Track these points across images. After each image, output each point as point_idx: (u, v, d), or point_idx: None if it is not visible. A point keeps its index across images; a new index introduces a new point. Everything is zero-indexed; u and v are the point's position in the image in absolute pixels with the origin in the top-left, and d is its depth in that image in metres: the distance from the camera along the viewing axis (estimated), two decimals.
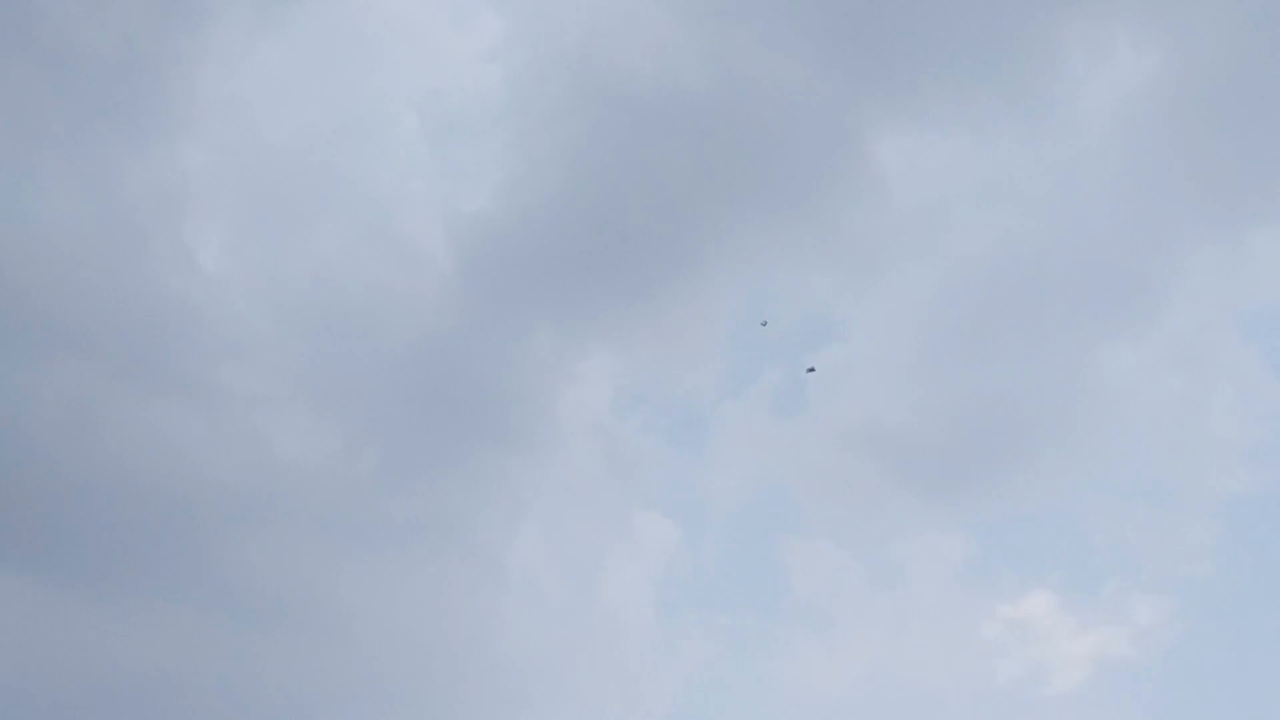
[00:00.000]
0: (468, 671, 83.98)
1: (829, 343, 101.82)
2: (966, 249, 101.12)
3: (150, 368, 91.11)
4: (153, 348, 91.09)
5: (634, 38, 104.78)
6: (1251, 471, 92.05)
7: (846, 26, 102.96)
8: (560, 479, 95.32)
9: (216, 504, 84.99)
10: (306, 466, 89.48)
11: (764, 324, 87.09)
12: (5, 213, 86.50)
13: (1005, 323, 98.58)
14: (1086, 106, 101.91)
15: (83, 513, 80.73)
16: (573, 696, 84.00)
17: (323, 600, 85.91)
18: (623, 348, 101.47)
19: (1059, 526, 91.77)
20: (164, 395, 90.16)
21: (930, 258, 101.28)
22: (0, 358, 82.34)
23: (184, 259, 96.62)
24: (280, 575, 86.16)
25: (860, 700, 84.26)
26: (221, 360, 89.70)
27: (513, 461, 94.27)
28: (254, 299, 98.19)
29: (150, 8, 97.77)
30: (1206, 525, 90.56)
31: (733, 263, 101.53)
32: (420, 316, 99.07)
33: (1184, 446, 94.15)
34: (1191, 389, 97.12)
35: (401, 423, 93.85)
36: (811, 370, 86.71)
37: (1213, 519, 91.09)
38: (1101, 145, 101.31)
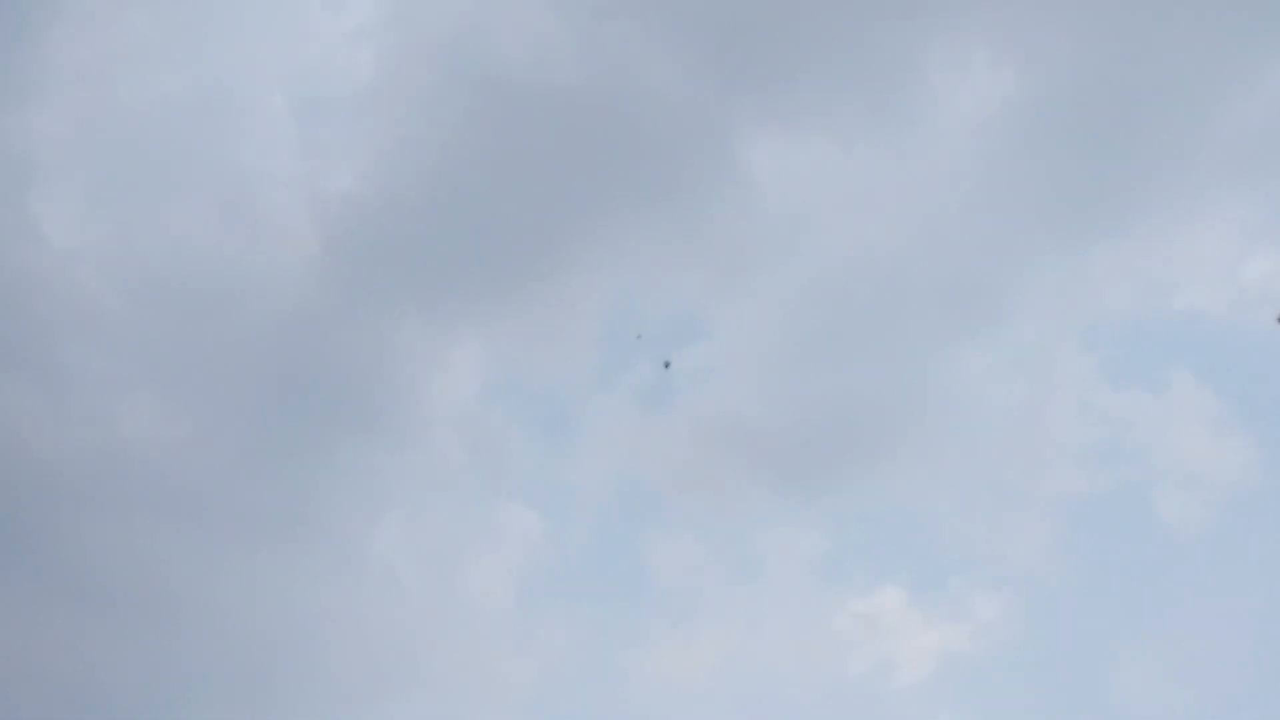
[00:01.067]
0: (323, 664, 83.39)
1: (694, 341, 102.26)
2: (828, 254, 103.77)
3: None
4: None
5: (509, 28, 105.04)
6: (1086, 473, 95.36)
7: (721, 31, 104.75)
8: (424, 469, 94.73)
9: (57, 487, 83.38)
10: (156, 450, 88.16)
11: (639, 337, 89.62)
12: None
13: (861, 326, 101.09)
14: (945, 120, 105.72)
15: None
16: (431, 688, 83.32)
17: (169, 590, 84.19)
18: (492, 338, 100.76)
19: (908, 524, 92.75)
20: (8, 372, 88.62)
21: (794, 261, 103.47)
22: None
23: (29, 230, 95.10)
24: (124, 562, 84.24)
25: (714, 690, 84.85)
26: (66, 336, 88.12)
27: (375, 450, 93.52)
28: (104, 274, 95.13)
29: None
30: (1043, 524, 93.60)
31: (603, 259, 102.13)
32: (282, 297, 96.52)
33: (1024, 448, 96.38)
34: (1033, 394, 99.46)
35: (259, 407, 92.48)
36: (668, 365, 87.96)
37: (1049, 518, 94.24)
38: (957, 159, 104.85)
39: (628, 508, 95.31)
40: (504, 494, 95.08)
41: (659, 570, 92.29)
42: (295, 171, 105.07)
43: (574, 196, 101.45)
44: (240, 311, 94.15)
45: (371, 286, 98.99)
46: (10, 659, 76.05)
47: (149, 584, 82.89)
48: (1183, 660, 79.43)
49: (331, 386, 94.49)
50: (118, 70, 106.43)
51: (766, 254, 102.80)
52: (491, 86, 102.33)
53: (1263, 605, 79.98)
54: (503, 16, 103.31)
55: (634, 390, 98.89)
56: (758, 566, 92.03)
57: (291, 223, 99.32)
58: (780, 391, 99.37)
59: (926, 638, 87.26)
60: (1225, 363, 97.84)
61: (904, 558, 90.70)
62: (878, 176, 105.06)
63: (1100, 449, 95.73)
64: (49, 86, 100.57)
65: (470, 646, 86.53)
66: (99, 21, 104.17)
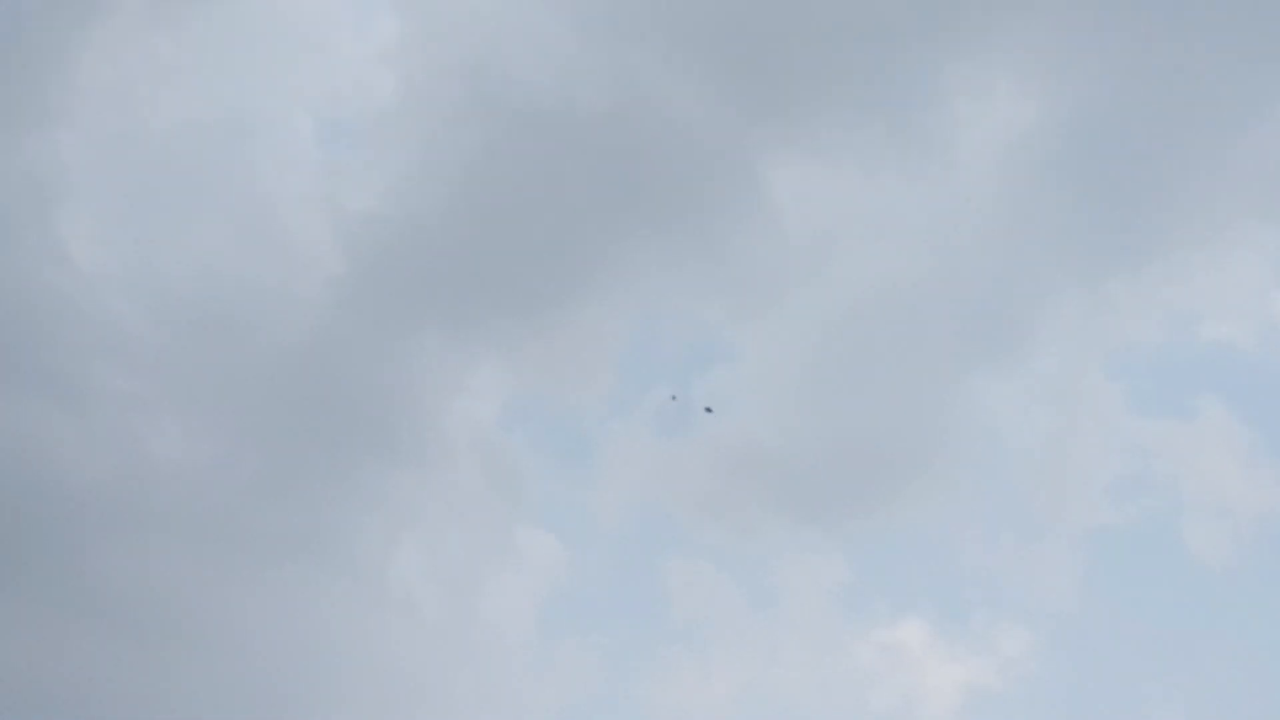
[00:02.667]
0: (342, 688, 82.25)
1: (716, 366, 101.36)
2: (851, 280, 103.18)
3: (16, 364, 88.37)
4: (19, 343, 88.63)
5: (533, 50, 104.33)
6: (1112, 504, 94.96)
7: (745, 56, 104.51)
8: (444, 493, 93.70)
9: (83, 507, 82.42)
10: (180, 471, 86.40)
11: (673, 398, 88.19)
12: None
13: (884, 354, 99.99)
14: (967, 148, 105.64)
15: None
16: (448, 713, 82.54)
17: (192, 610, 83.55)
18: (512, 362, 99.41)
19: (931, 555, 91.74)
20: (31, 393, 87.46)
21: (816, 288, 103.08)
22: None
23: (56, 251, 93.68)
24: (148, 583, 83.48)
25: None
26: (93, 358, 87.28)
27: (395, 473, 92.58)
28: (130, 295, 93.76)
29: None
30: (1069, 557, 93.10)
31: (625, 283, 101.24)
32: (305, 319, 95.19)
33: (1049, 479, 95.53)
34: (1057, 424, 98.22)
35: (281, 429, 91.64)
36: (709, 410, 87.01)
37: (1075, 551, 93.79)
38: (980, 187, 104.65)
39: (647, 535, 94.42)
40: (524, 519, 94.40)
41: (678, 598, 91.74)
42: (318, 193, 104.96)
43: (595, 221, 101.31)
44: (262, 333, 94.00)
45: (393, 309, 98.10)
46: (30, 677, 76.02)
47: (169, 605, 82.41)
48: (1212, 696, 79.09)
49: (352, 408, 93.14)
50: (143, 92, 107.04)
51: (789, 280, 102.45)
52: (513, 109, 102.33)
53: None
54: (525, 39, 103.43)
55: (654, 416, 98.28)
56: (777, 596, 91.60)
57: (314, 244, 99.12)
58: (802, 419, 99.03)
59: (950, 671, 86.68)
60: (1254, 393, 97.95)
61: (927, 589, 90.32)
62: (900, 204, 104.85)
63: (1127, 480, 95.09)
64: (75, 108, 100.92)
65: (489, 672, 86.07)
66: (125, 44, 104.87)
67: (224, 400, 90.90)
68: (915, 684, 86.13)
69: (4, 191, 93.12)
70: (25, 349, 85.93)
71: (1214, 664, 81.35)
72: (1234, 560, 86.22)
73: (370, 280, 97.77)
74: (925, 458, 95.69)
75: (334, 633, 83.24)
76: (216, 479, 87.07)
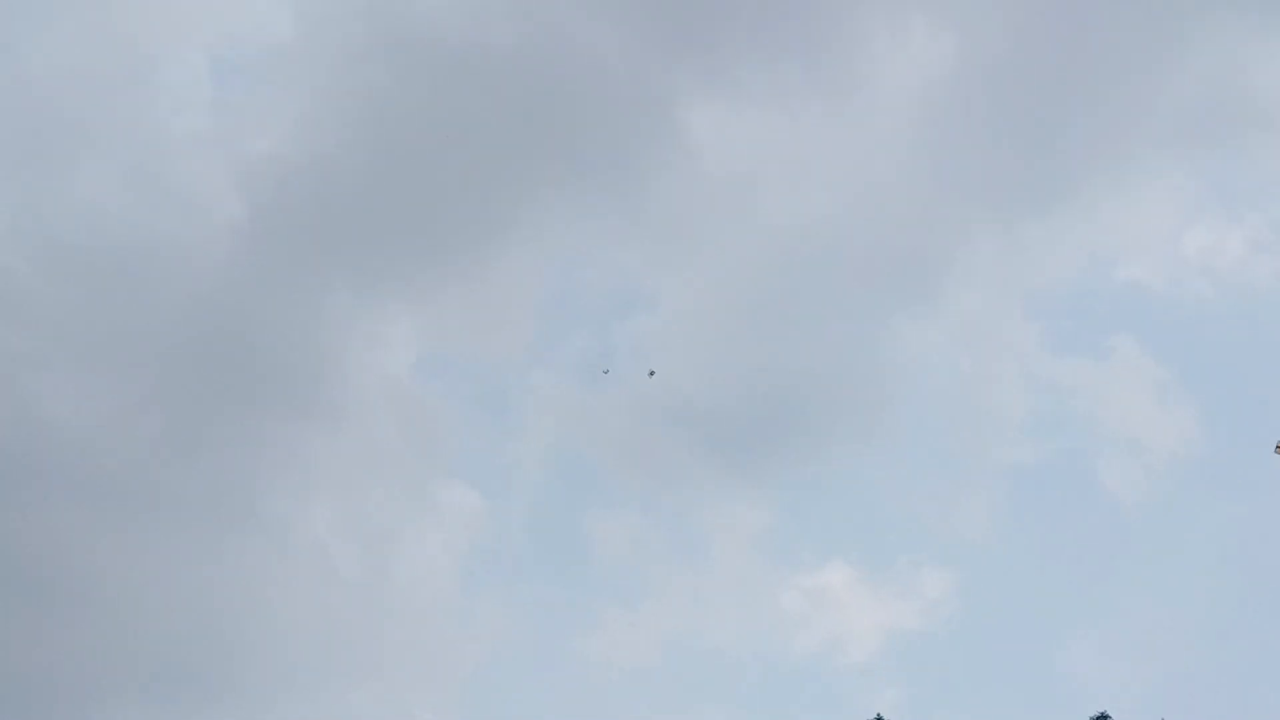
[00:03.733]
0: (255, 648, 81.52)
1: (637, 314, 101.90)
2: (772, 223, 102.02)
3: None
4: None
5: None
6: (1030, 443, 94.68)
7: None
8: (357, 448, 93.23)
9: None
10: (78, 430, 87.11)
11: (606, 372, 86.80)
12: None
13: (805, 297, 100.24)
14: (886, 87, 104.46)
15: None
16: (372, 673, 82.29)
17: (93, 571, 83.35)
18: (426, 310, 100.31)
19: (855, 500, 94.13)
20: None
21: (738, 230, 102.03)
22: None
23: None
24: (46, 544, 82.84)
25: (662, 669, 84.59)
26: None
27: (306, 429, 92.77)
28: (16, 248, 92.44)
29: None
30: (989, 496, 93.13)
31: (542, 229, 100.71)
32: (204, 268, 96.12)
33: (969, 420, 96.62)
34: (977, 365, 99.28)
35: (183, 385, 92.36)
36: (653, 373, 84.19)
37: (994, 490, 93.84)
38: (898, 126, 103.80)
39: (570, 485, 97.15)
40: (443, 473, 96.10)
41: (603, 549, 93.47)
42: (213, 135, 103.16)
43: (509, 163, 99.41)
44: (159, 285, 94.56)
45: (297, 256, 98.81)
46: None
47: (67, 566, 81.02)
48: (1127, 631, 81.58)
49: (258, 363, 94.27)
50: (25, 32, 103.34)
51: (710, 222, 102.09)
52: (418, 46, 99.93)
53: (1204, 573, 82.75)
54: None
55: (574, 364, 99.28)
56: (703, 544, 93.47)
57: (210, 189, 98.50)
58: (724, 365, 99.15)
59: (874, 614, 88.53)
60: (1165, 331, 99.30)
61: (851, 534, 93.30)
62: (820, 142, 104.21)
63: (1044, 418, 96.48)
64: None
65: (413, 630, 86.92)
66: None
67: (121, 356, 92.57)
68: (840, 627, 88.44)
69: None
70: None
71: (1128, 599, 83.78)
72: (1146, 495, 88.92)
73: (272, 226, 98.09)
74: (849, 402, 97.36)
75: (248, 594, 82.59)
76: (117, 438, 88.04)
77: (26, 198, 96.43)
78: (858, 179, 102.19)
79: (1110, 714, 55.25)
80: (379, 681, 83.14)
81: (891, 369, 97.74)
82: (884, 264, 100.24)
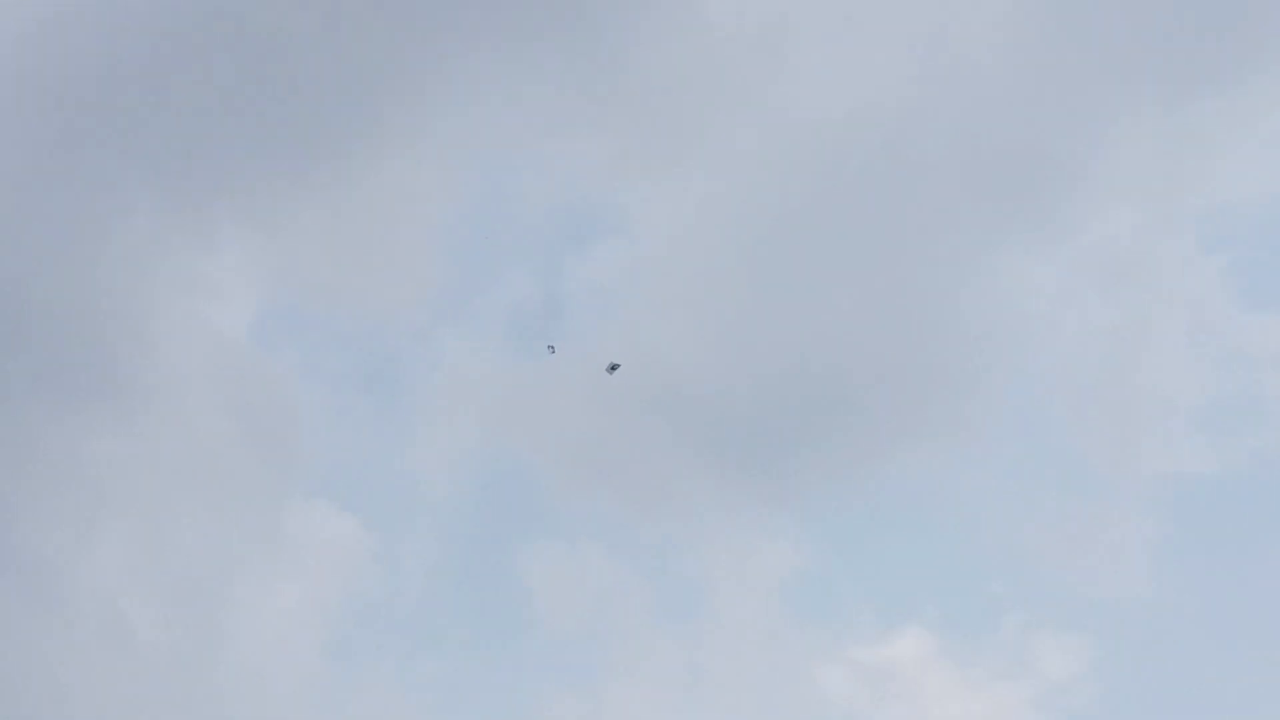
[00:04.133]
0: None
1: (597, 244, 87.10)
2: (802, 105, 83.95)
3: None
4: None
5: None
6: (1206, 443, 78.05)
7: None
8: (168, 451, 78.83)
9: None
10: None
11: (551, 349, 71.54)
12: None
13: (855, 221, 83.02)
14: None
15: None
16: None
17: None
18: (274, 242, 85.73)
19: (934, 531, 77.87)
20: None
21: (751, 118, 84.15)
22: None
23: None
24: None
25: None
26: None
27: (89, 423, 78.14)
28: None
29: None
30: (1142, 526, 75.97)
31: (455, 111, 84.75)
32: None
33: (1111, 409, 79.36)
34: (1122, 323, 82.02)
35: None
36: (614, 368, 69.20)
37: (1150, 517, 76.40)
38: None
39: (498, 509, 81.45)
40: (301, 489, 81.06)
41: (547, 603, 78.23)
42: None
43: (402, 9, 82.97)
44: None
45: (77, 159, 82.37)
46: None
47: None
48: None
49: (16, 323, 78.56)
50: None
51: (712, 102, 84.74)
52: None
53: None
54: None
55: (501, 322, 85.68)
56: (701, 597, 78.35)
57: None
58: (729, 325, 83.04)
59: (967, 705, 73.34)
60: None
61: (930, 583, 77.24)
62: None
63: (1228, 405, 79.45)
64: None
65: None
66: None
67: None
68: None
69: None
70: None
71: None
72: None
73: (36, 114, 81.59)
74: (921, 383, 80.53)
75: (5, 662, 70.64)
76: None
77: None
78: (937, 41, 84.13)
79: None
80: None
81: (989, 332, 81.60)
82: (978, 170, 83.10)
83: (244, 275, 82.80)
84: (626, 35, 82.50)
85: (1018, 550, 76.92)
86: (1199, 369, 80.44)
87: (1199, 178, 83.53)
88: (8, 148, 79.33)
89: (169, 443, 79.77)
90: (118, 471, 79.03)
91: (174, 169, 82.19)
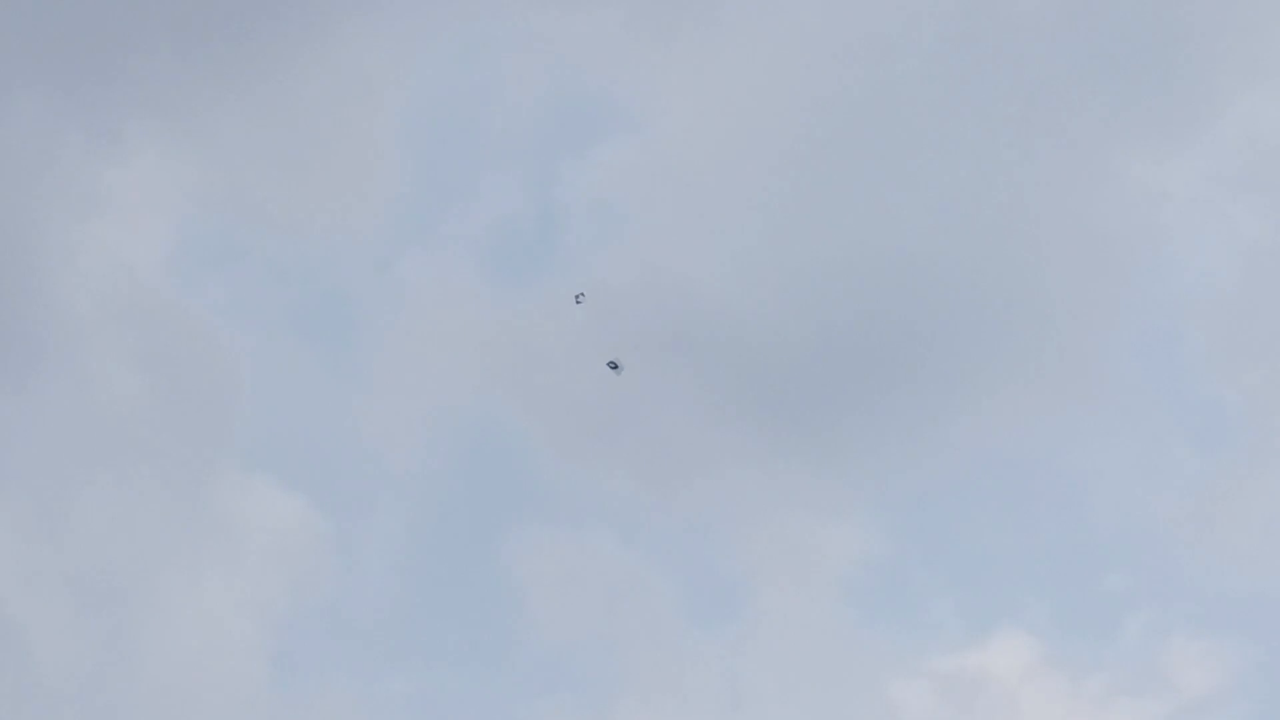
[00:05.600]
0: None
1: (602, 144, 77.09)
2: None
3: None
4: None
5: None
6: None
7: None
8: (67, 416, 70.88)
9: None
10: None
11: (580, 298, 61.76)
12: None
13: (926, 110, 72.23)
14: None
15: None
16: None
17: None
18: (193, 148, 76.69)
19: (1038, 509, 67.30)
20: None
21: None
22: None
23: None
24: None
25: None
26: None
27: None
28: None
29: None
30: None
31: None
32: None
33: (1263, 346, 67.86)
34: (1274, 235, 70.19)
35: None
36: (614, 366, 60.07)
37: None
38: None
39: (480, 483, 71.61)
40: (236, 461, 72.05)
41: (544, 601, 68.67)
42: None
43: None
44: None
45: None
46: None
47: None
48: None
49: None
50: None
51: None
52: None
53: None
54: None
55: (478, 242, 76.14)
56: (742, 591, 68.90)
57: None
58: (768, 237, 72.96)
59: None
60: None
61: (1035, 575, 67.03)
62: None
63: None
64: None
65: None
66: None
67: None
68: None
69: None
70: None
71: None
72: None
73: None
74: (1015, 320, 70.32)
75: None
76: None
77: None
78: None
79: None
80: None
81: (1111, 251, 70.53)
82: (1084, 46, 71.82)
83: (156, 190, 72.91)
84: None
85: (1144, 532, 66.21)
86: None
87: None
88: None
89: (67, 403, 71.61)
90: (10, 440, 70.97)
91: (68, 61, 71.96)
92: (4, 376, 69.21)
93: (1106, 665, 65.76)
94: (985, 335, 69.36)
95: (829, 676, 66.23)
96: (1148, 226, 70.59)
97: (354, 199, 73.16)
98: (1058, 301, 69.08)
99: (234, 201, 74.14)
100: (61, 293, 70.03)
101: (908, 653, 65.78)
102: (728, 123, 73.40)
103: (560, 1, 72.94)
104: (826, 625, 66.83)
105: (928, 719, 66.44)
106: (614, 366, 60.00)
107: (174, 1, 71.77)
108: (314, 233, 73.62)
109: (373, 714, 65.74)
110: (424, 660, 66.87)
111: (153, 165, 72.79)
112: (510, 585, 68.22)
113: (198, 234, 74.36)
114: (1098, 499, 67.63)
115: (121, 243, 72.28)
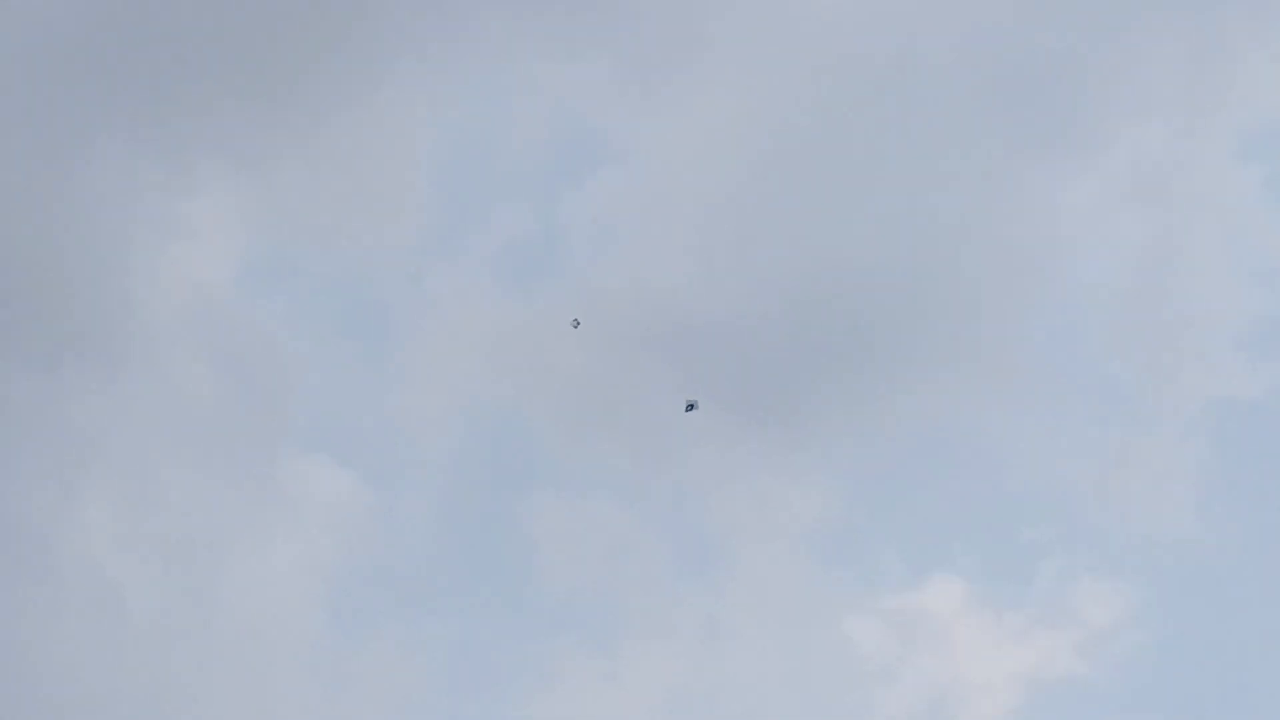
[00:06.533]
0: None
1: (595, 173, 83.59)
2: (809, 17, 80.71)
3: None
4: None
5: None
6: (1256, 365, 74.23)
7: None
8: (151, 406, 75.73)
9: None
10: None
11: (576, 323, 69.26)
12: None
13: (869, 139, 79.37)
14: None
15: None
16: None
17: None
18: (254, 181, 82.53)
19: (967, 472, 73.58)
20: None
21: (761, 29, 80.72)
22: None
23: None
24: None
25: None
26: None
27: (66, 378, 75.32)
28: None
29: None
30: (1189, 459, 72.79)
31: (439, 33, 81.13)
32: None
33: (1152, 332, 76.20)
34: (1158, 239, 78.32)
35: None
36: (692, 407, 67.40)
37: (1197, 448, 72.90)
38: None
39: (500, 457, 78.58)
40: (294, 442, 78.09)
41: (556, 558, 75.12)
42: None
43: None
44: None
45: (44, 101, 79.40)
46: None
47: None
48: None
49: None
50: None
51: (716, 23, 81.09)
52: None
53: None
54: None
55: (493, 258, 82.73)
56: (720, 548, 74.85)
57: None
58: (741, 255, 79.85)
59: (1003, 657, 71.04)
60: None
61: (963, 528, 73.49)
62: None
63: (1273, 322, 75.47)
64: None
65: (253, 692, 70.81)
66: None
67: None
68: (948, 677, 70.74)
69: None
70: None
71: None
72: None
73: None
74: (942, 312, 77.23)
75: None
76: None
77: None
78: None
79: None
80: None
81: (1020, 255, 76.84)
82: (1000, 83, 78.44)
83: (225, 220, 79.67)
84: None
85: (1054, 492, 72.41)
86: (1240, 286, 76.08)
87: (1232, 88, 79.07)
88: None
89: (153, 398, 75.88)
90: (101, 430, 74.65)
91: (148, 104, 78.48)
92: (100, 375, 74.61)
93: (1024, 604, 71.08)
94: (921, 328, 75.91)
95: (793, 615, 72.22)
96: (1053, 234, 76.93)
97: (390, 223, 79.72)
98: (981, 298, 75.29)
99: (290, 226, 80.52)
100: (146, 305, 76.08)
101: (858, 594, 71.92)
102: (702, 155, 79.73)
103: (560, 54, 79.63)
104: (790, 572, 72.67)
105: (875, 649, 71.51)
106: (576, 324, 65.44)
107: (240, 61, 78.44)
108: (357, 251, 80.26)
109: (412, 653, 71.03)
110: (454, 607, 72.59)
111: (221, 197, 79.00)
112: (525, 544, 74.52)
113: (259, 254, 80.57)
114: (1016, 464, 73.24)
115: (195, 262, 78.62)
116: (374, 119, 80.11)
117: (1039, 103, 78.62)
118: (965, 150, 77.73)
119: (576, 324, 67.50)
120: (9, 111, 75.63)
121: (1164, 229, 78.93)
